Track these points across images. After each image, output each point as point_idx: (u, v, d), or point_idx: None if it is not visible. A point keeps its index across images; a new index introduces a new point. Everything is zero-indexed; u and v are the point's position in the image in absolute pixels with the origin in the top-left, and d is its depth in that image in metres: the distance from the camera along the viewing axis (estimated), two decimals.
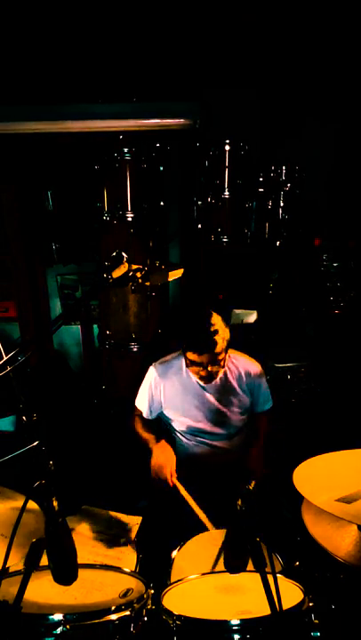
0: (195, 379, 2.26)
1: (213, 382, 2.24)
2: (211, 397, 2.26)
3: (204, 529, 1.89)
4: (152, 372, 2.32)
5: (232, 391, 2.28)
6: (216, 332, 2.05)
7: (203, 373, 2.14)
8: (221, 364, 2.14)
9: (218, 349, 2.06)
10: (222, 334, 2.08)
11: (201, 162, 3.09)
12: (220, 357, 2.11)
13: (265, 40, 3.21)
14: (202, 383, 2.22)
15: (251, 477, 1.99)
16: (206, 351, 2.06)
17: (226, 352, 2.15)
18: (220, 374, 2.23)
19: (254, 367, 2.33)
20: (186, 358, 2.14)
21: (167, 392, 2.29)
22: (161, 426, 2.42)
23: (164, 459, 2.10)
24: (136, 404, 2.39)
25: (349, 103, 3.39)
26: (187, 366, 2.18)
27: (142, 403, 2.36)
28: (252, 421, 2.38)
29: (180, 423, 2.30)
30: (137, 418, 2.37)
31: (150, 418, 2.36)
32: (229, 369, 2.28)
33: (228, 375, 2.28)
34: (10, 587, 1.31)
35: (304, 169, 3.13)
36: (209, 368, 2.11)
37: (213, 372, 2.14)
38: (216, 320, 2.08)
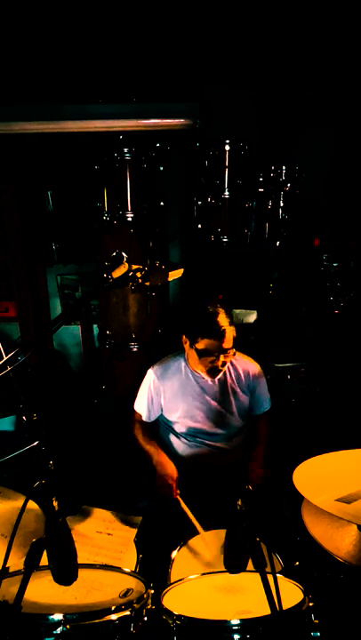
0: (194, 379, 2.26)
1: (212, 383, 2.24)
2: (210, 398, 2.26)
3: (204, 529, 1.89)
4: (151, 375, 2.32)
5: (231, 391, 2.28)
6: (226, 319, 2.10)
7: (216, 363, 2.14)
8: (231, 353, 2.15)
9: (229, 336, 2.09)
10: (231, 322, 2.12)
11: (201, 162, 3.09)
12: (231, 346, 2.13)
13: (265, 40, 3.21)
14: (208, 379, 2.22)
15: (251, 484, 2.01)
16: (221, 336, 2.08)
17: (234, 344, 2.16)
18: (222, 373, 2.22)
19: (254, 367, 2.33)
20: (197, 351, 2.13)
21: (167, 394, 2.29)
22: (159, 427, 2.42)
23: (166, 475, 2.12)
24: (135, 407, 2.38)
25: (349, 103, 3.39)
26: (199, 357, 2.15)
27: (141, 406, 2.35)
28: (252, 425, 2.38)
29: (179, 424, 2.29)
30: (137, 424, 2.37)
31: (149, 421, 2.36)
32: (230, 369, 2.28)
33: (228, 375, 2.28)
34: (10, 587, 1.31)
35: (304, 169, 3.13)
36: (221, 357, 2.12)
37: (223, 363, 2.15)
38: (223, 310, 2.13)
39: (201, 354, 2.13)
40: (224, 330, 2.08)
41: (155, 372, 2.31)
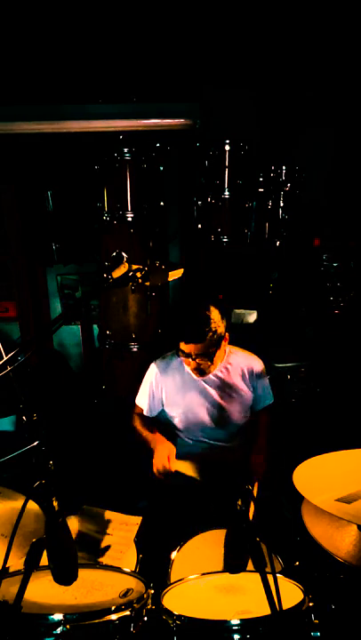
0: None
1: (215, 378, 2.23)
2: (212, 394, 2.25)
3: (204, 529, 1.88)
4: (153, 369, 2.32)
5: (234, 388, 2.27)
6: (207, 323, 2.04)
7: (192, 365, 2.14)
8: (214, 359, 2.13)
9: (206, 342, 2.05)
10: (214, 327, 2.06)
11: (201, 162, 3.09)
12: (210, 351, 2.09)
13: (265, 40, 3.21)
14: (195, 376, 2.21)
15: (253, 479, 2.00)
16: (193, 341, 2.05)
17: (218, 347, 2.12)
18: (215, 369, 2.21)
19: (256, 363, 2.33)
20: (177, 347, 2.13)
21: (168, 389, 2.29)
22: (161, 424, 2.42)
23: (163, 449, 2.11)
24: (136, 401, 2.38)
25: (349, 103, 3.39)
26: (178, 356, 2.17)
27: (143, 400, 2.35)
28: (253, 420, 2.37)
29: (180, 421, 2.29)
30: (137, 416, 2.36)
31: (150, 416, 2.36)
32: (231, 365, 2.28)
33: (230, 371, 2.27)
34: (10, 587, 1.31)
35: (304, 169, 3.13)
36: (197, 360, 2.10)
37: (202, 366, 2.13)
38: (211, 313, 2.08)
39: (180, 354, 2.13)
40: (198, 334, 2.03)
41: (157, 366, 2.31)
